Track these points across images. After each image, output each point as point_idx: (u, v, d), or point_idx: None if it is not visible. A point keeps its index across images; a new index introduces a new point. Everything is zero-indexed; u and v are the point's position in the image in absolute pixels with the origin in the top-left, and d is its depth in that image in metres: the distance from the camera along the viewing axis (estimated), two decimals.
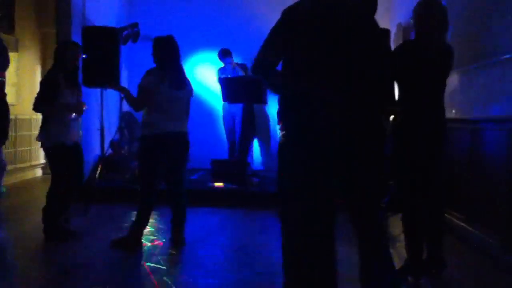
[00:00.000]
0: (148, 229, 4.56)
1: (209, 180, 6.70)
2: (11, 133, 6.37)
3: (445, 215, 4.40)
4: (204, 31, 8.24)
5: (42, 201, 4.55)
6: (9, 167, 6.61)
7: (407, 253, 3.50)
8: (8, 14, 7.45)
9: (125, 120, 7.54)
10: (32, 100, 4.48)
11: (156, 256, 4.06)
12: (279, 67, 2.57)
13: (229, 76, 7.50)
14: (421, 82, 3.41)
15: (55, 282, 3.54)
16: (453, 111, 4.89)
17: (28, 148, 8.02)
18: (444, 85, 3.54)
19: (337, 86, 2.39)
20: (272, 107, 8.14)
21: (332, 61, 2.40)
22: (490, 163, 4.14)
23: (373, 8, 3.12)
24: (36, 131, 7.74)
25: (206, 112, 8.30)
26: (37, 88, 4.62)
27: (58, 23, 6.40)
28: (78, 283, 3.52)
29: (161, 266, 3.80)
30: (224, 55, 7.69)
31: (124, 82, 6.84)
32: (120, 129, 7.39)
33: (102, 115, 6.55)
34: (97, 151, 6.72)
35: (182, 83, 4.32)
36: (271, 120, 8.40)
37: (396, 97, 3.53)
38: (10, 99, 5.40)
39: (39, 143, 4.58)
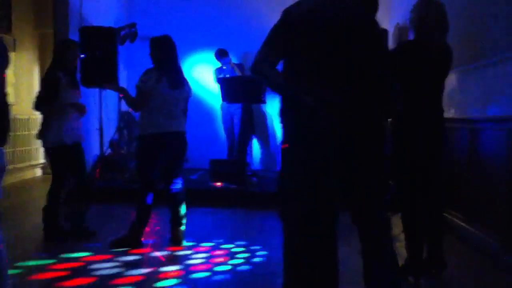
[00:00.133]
0: (147, 229, 4.56)
1: (208, 180, 6.70)
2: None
3: (445, 215, 4.40)
4: (202, 31, 8.25)
5: (41, 201, 4.54)
6: (8, 167, 6.59)
7: (407, 253, 3.51)
8: (5, 14, 7.43)
9: (124, 120, 7.53)
10: (31, 100, 4.47)
11: (156, 256, 4.05)
12: (279, 67, 2.56)
13: (227, 76, 7.51)
14: (420, 82, 3.41)
15: (54, 282, 3.53)
16: (452, 110, 4.89)
17: (27, 148, 8.01)
18: (443, 85, 3.54)
19: (337, 86, 2.39)
20: (271, 107, 8.14)
21: (333, 61, 2.39)
22: (490, 163, 4.14)
23: (374, 8, 3.11)
24: (34, 131, 7.76)
25: (205, 112, 8.30)
26: (35, 88, 4.62)
27: (55, 23, 6.39)
28: (77, 283, 3.51)
29: (160, 266, 3.80)
30: (221, 55, 7.70)
31: (122, 82, 6.83)
32: (119, 129, 7.38)
33: (101, 115, 6.55)
34: (96, 151, 6.72)
35: (180, 83, 4.31)
36: (270, 119, 8.40)
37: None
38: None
39: (39, 142, 4.58)
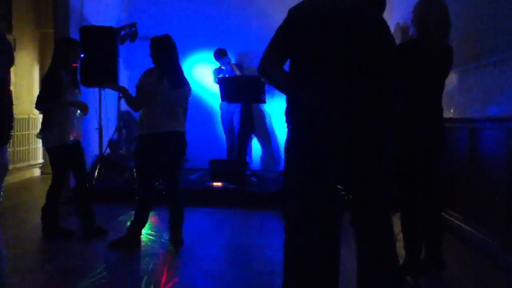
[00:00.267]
0: (146, 229, 4.56)
1: (208, 179, 6.69)
2: None
3: (444, 215, 4.40)
4: (202, 30, 8.24)
5: (41, 201, 4.54)
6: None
7: (406, 253, 3.50)
8: (6, 14, 7.42)
9: (123, 119, 7.53)
10: (31, 100, 4.47)
11: (155, 256, 4.05)
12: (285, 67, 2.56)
13: (227, 75, 7.51)
14: (420, 82, 3.41)
15: (54, 282, 3.53)
16: (452, 110, 4.89)
17: (26, 147, 8.00)
18: (443, 85, 3.54)
19: (337, 85, 2.38)
20: (270, 106, 8.15)
21: (334, 60, 2.39)
22: (489, 163, 4.13)
23: (381, 6, 3.08)
24: (34, 131, 7.78)
25: (205, 112, 8.30)
26: (35, 88, 4.61)
27: (56, 23, 6.38)
28: (77, 283, 3.51)
29: (160, 266, 3.79)
30: (220, 55, 7.70)
31: (122, 82, 6.83)
32: (118, 129, 7.38)
33: (101, 114, 6.55)
34: (95, 151, 6.71)
35: (180, 83, 4.30)
36: (269, 119, 8.40)
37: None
38: None
39: (38, 142, 4.58)
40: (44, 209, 4.48)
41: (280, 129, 8.28)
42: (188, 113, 4.49)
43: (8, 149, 2.60)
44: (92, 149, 6.66)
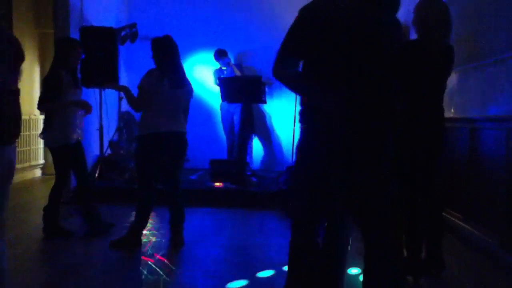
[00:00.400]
0: (147, 229, 4.56)
1: (208, 180, 6.70)
2: None
3: (445, 215, 4.40)
4: (202, 31, 8.24)
5: (41, 202, 4.54)
6: None
7: (406, 253, 3.50)
8: (6, 14, 7.42)
9: (123, 120, 7.53)
10: (31, 100, 4.47)
11: (155, 257, 4.06)
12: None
13: (227, 76, 7.51)
14: (420, 82, 3.41)
15: (54, 282, 3.54)
16: (452, 110, 4.89)
17: (27, 148, 8.00)
18: (444, 85, 3.54)
19: (343, 86, 2.38)
20: (271, 107, 8.15)
21: (341, 61, 2.38)
22: (489, 163, 4.14)
23: (394, 8, 3.05)
24: (34, 131, 7.78)
25: (205, 112, 8.30)
26: (35, 88, 4.61)
27: (56, 23, 6.38)
28: (77, 284, 3.52)
29: (160, 267, 3.80)
30: (220, 55, 7.71)
31: (123, 82, 6.82)
32: (119, 129, 7.38)
33: (101, 115, 6.55)
34: (96, 151, 6.72)
35: (181, 83, 4.30)
36: (269, 119, 8.40)
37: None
38: None
39: (38, 143, 4.59)
40: (46, 209, 4.49)
41: (280, 129, 8.28)
42: (188, 114, 4.50)
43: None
44: (93, 150, 6.67)
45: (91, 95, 6.33)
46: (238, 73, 7.61)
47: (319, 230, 2.55)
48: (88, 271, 3.75)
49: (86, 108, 4.53)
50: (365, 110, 2.42)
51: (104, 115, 6.63)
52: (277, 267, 3.71)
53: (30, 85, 7.96)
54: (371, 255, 2.48)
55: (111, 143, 7.09)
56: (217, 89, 7.38)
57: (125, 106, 7.29)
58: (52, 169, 4.79)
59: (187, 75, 4.46)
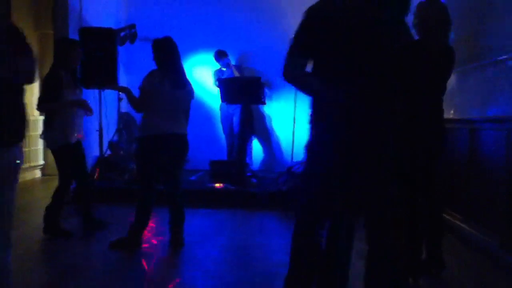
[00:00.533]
0: (147, 230, 4.55)
1: (208, 181, 6.70)
2: None
3: (445, 215, 4.40)
4: (202, 32, 8.24)
5: (42, 202, 4.54)
6: None
7: (406, 253, 3.50)
8: (5, 15, 7.42)
9: (123, 121, 7.53)
10: (30, 101, 4.47)
11: (155, 257, 4.06)
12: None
13: (226, 77, 7.51)
14: (420, 83, 3.41)
15: (55, 282, 3.53)
16: (452, 111, 4.89)
17: (27, 149, 7.99)
18: (444, 86, 3.54)
19: (361, 85, 2.39)
20: (270, 108, 8.15)
21: (347, 59, 2.39)
22: (489, 163, 4.14)
23: (403, 10, 3.03)
24: (34, 132, 7.77)
25: (205, 113, 8.29)
26: (34, 89, 4.61)
27: (55, 24, 6.39)
28: (77, 284, 3.51)
29: (160, 267, 3.80)
30: (220, 56, 7.71)
31: (122, 83, 6.82)
32: (118, 130, 7.38)
33: (101, 116, 6.55)
34: (95, 152, 6.71)
35: (181, 84, 4.30)
36: (269, 120, 8.40)
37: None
38: None
39: (38, 144, 4.59)
40: (48, 208, 4.49)
41: (280, 130, 8.28)
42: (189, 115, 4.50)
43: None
44: (93, 150, 6.66)
45: (90, 95, 6.33)
46: (237, 74, 7.61)
47: (322, 230, 2.55)
48: (88, 271, 3.75)
49: (86, 108, 4.53)
50: (363, 110, 2.42)
51: (103, 116, 6.62)
52: (277, 267, 3.71)
53: (29, 86, 7.94)
54: (372, 254, 2.48)
55: (111, 144, 7.09)
56: (216, 90, 7.38)
57: (124, 107, 7.30)
58: (52, 170, 4.80)
59: (188, 76, 4.46)
